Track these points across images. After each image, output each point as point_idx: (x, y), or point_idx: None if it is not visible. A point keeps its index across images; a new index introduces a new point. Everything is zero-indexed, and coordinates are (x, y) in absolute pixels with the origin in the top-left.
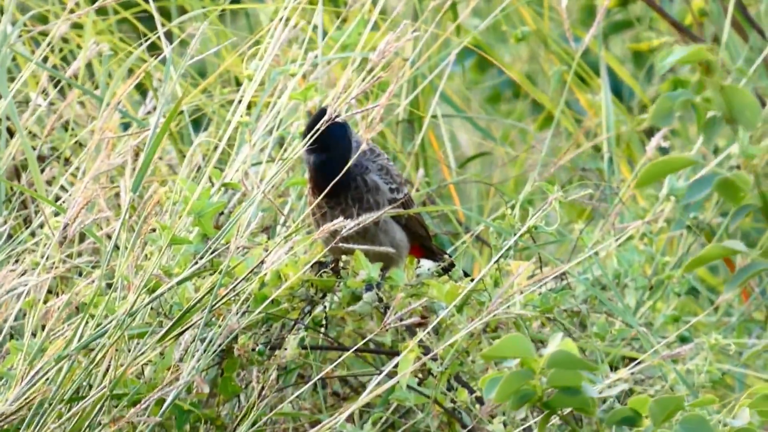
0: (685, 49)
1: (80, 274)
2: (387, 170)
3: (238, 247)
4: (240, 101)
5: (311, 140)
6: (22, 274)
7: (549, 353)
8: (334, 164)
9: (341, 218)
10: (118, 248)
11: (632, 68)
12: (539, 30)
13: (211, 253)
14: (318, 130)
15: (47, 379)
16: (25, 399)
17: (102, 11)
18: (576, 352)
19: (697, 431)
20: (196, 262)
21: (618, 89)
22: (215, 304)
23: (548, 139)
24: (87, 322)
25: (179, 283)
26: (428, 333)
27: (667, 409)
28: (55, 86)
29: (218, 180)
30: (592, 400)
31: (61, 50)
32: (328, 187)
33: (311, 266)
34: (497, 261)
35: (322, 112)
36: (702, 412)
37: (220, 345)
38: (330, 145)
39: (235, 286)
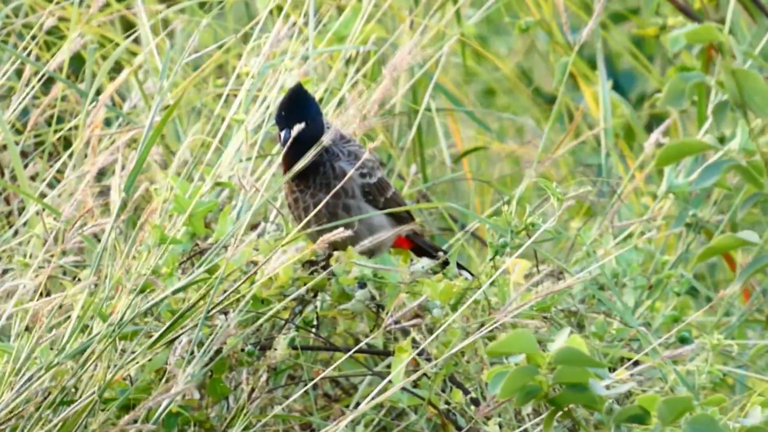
0: (694, 26)
1: (64, 273)
2: (355, 155)
3: (225, 247)
4: (233, 96)
5: (285, 115)
6: (5, 273)
7: (556, 349)
8: (305, 140)
9: (341, 229)
10: (106, 249)
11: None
12: (542, 20)
13: (201, 252)
14: (293, 105)
15: (35, 385)
16: (13, 406)
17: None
18: (584, 349)
19: (705, 431)
20: (185, 262)
21: (617, 81)
22: (211, 310)
23: (545, 134)
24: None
25: (175, 292)
26: (422, 332)
27: (676, 409)
28: (39, 80)
29: (211, 179)
30: (600, 398)
31: (53, 44)
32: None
33: (302, 265)
34: (492, 258)
35: (298, 88)
36: (711, 411)
37: (217, 352)
38: (304, 121)
39: (231, 293)
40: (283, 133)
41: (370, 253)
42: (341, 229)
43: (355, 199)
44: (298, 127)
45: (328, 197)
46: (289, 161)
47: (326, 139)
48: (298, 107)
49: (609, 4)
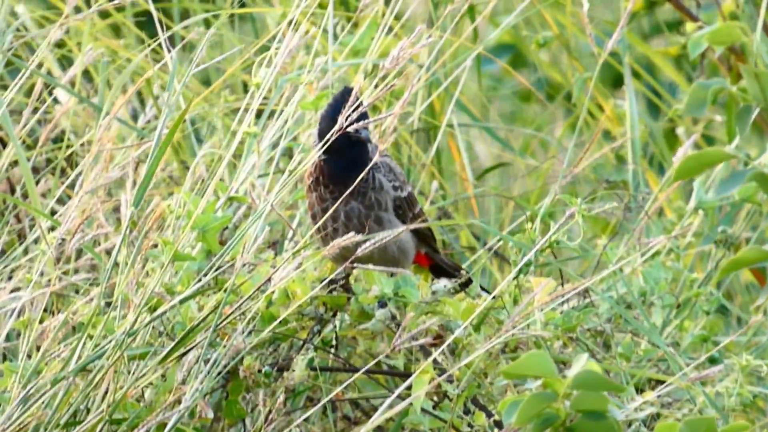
0: (715, 26)
1: (77, 292)
2: (390, 168)
3: (244, 264)
4: (247, 110)
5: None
6: (15, 291)
7: (574, 374)
8: (363, 148)
9: (352, 233)
10: (117, 265)
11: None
12: (560, 35)
13: (216, 270)
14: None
15: (43, 402)
16: (20, 423)
17: (99, 13)
18: (601, 374)
19: None
20: (200, 280)
21: (658, 93)
22: (220, 323)
23: (570, 149)
24: (85, 343)
25: (182, 301)
26: (444, 353)
27: (698, 431)
28: (50, 94)
29: (224, 193)
30: (619, 425)
31: (54, 55)
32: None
33: (323, 285)
34: (516, 277)
35: (348, 92)
36: None
37: (225, 366)
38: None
39: (240, 305)
40: (363, 133)
41: (392, 265)
42: (352, 233)
43: (387, 213)
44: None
45: (332, 201)
46: (336, 168)
47: (377, 157)
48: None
49: (660, 13)
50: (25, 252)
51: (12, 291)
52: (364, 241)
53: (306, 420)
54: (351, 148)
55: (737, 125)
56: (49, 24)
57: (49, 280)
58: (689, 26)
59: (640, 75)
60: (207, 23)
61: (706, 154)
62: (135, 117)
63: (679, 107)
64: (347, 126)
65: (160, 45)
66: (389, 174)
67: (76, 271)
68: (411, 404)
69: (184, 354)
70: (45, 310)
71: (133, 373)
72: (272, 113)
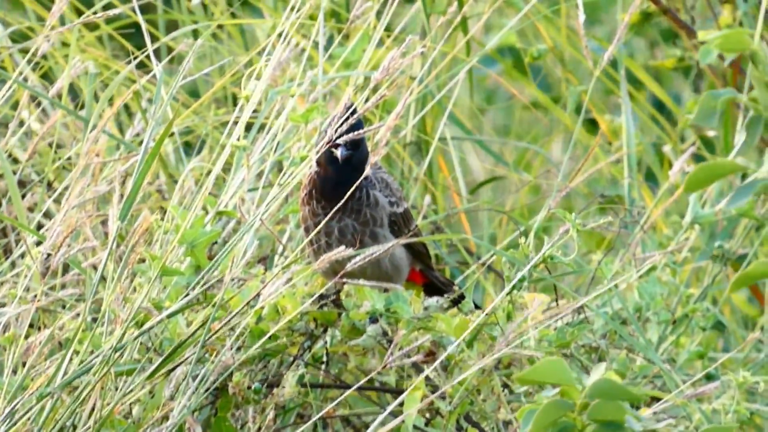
0: (725, 32)
1: (63, 307)
2: (387, 183)
3: (233, 279)
4: (236, 123)
5: (339, 134)
6: (0, 306)
7: (592, 382)
8: (355, 164)
9: (342, 247)
10: (104, 279)
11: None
12: (554, 48)
13: (204, 284)
14: (346, 124)
15: (29, 418)
16: None
17: (85, 25)
18: (620, 382)
19: None
20: (188, 295)
21: (662, 104)
22: (208, 338)
23: (564, 163)
24: (71, 358)
25: (169, 316)
26: (436, 370)
27: None
28: (37, 106)
29: (213, 207)
30: None
31: (41, 67)
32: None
33: (314, 301)
34: (510, 293)
35: (351, 107)
36: None
37: (213, 382)
38: (357, 144)
39: (229, 320)
40: (339, 150)
41: (386, 280)
42: (342, 247)
43: (382, 228)
44: (350, 151)
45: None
46: (326, 183)
47: (369, 171)
48: (349, 126)
49: (661, 21)
50: (11, 267)
51: None
52: (356, 256)
53: None
54: (341, 163)
55: (748, 135)
56: (34, 35)
57: (35, 295)
58: (701, 34)
59: (638, 87)
60: (195, 35)
61: (717, 165)
62: (122, 130)
63: (689, 116)
64: (336, 140)
65: (148, 57)
66: (385, 189)
67: (63, 286)
68: (403, 421)
69: (172, 370)
70: (31, 326)
71: (121, 389)
72: (262, 126)
